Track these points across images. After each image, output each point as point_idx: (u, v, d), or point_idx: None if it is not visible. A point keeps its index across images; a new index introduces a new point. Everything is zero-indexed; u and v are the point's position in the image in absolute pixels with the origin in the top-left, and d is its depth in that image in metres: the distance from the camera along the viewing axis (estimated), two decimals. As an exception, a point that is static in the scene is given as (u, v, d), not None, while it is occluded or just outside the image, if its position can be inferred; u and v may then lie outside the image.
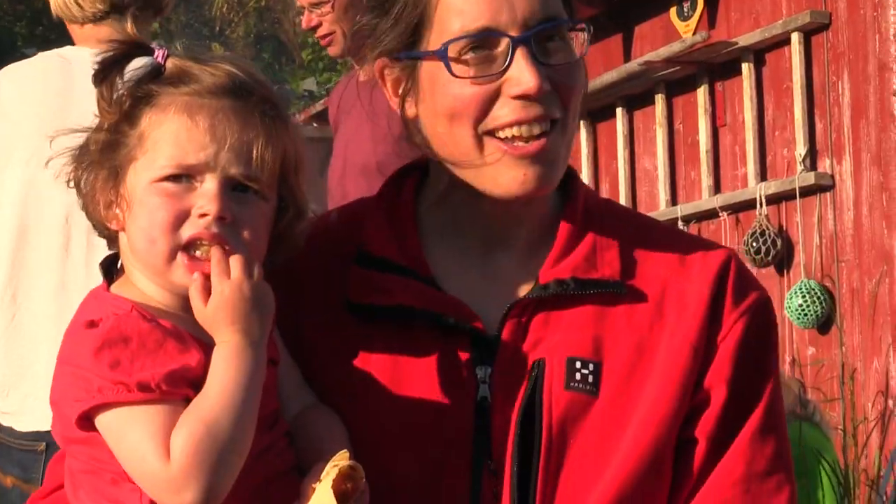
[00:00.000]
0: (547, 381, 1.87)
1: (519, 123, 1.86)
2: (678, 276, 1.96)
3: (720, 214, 8.05)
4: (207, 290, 1.73)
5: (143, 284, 1.79)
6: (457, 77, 1.86)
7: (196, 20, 27.97)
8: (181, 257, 1.75)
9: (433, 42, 1.89)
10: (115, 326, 1.70)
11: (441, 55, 1.86)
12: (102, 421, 1.69)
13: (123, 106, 1.79)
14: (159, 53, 1.81)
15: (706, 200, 8.16)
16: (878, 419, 7.18)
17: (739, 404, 1.92)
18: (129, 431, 1.68)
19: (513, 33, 1.85)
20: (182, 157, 1.75)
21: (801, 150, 7.61)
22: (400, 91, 1.95)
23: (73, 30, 3.78)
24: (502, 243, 1.97)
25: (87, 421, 1.71)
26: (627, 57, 8.96)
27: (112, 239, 1.85)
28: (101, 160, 1.79)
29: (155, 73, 1.80)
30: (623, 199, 8.84)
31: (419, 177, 2.04)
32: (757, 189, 7.75)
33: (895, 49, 7.28)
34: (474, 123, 1.87)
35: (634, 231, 2.00)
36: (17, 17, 28.62)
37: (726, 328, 1.93)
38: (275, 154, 1.78)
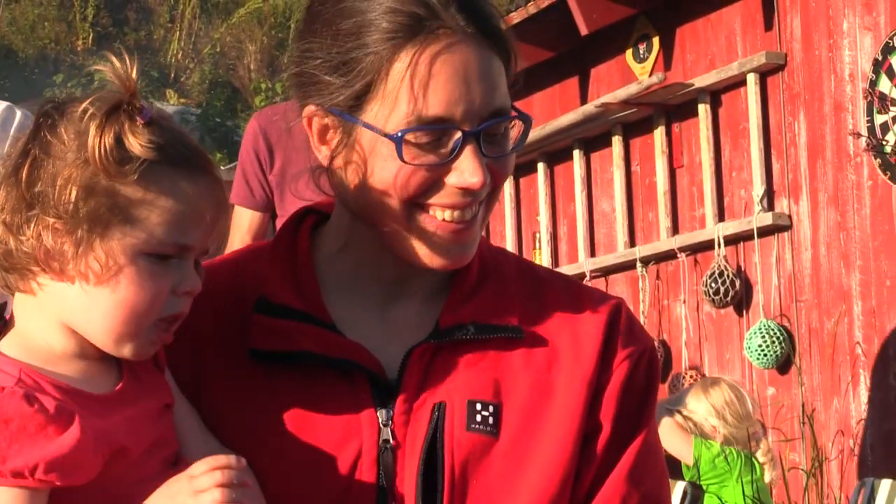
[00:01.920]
0: (448, 423, 1.89)
1: (454, 209, 1.88)
2: (572, 322, 1.99)
3: (678, 256, 8.07)
4: None
5: (44, 334, 1.75)
6: (405, 162, 1.84)
7: (151, 66, 27.95)
8: (155, 330, 1.75)
9: (381, 116, 1.85)
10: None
11: (396, 140, 1.84)
12: None
13: (133, 173, 1.71)
14: (147, 113, 1.74)
15: (664, 241, 8.18)
16: (838, 458, 7.18)
17: (619, 441, 1.96)
18: None
19: (465, 127, 1.84)
20: (179, 236, 1.73)
21: (758, 190, 7.64)
22: (328, 141, 1.92)
23: None
24: (403, 293, 1.99)
25: None
26: (584, 99, 8.99)
27: (9, 285, 1.77)
28: (74, 209, 1.70)
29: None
30: (581, 241, 8.85)
31: (314, 221, 2.04)
32: (715, 230, 7.78)
33: (850, 89, 7.32)
34: (406, 200, 1.87)
35: (529, 279, 2.04)
36: (-29, 64, 28.52)
37: (615, 367, 1.97)
38: (221, 226, 1.82)
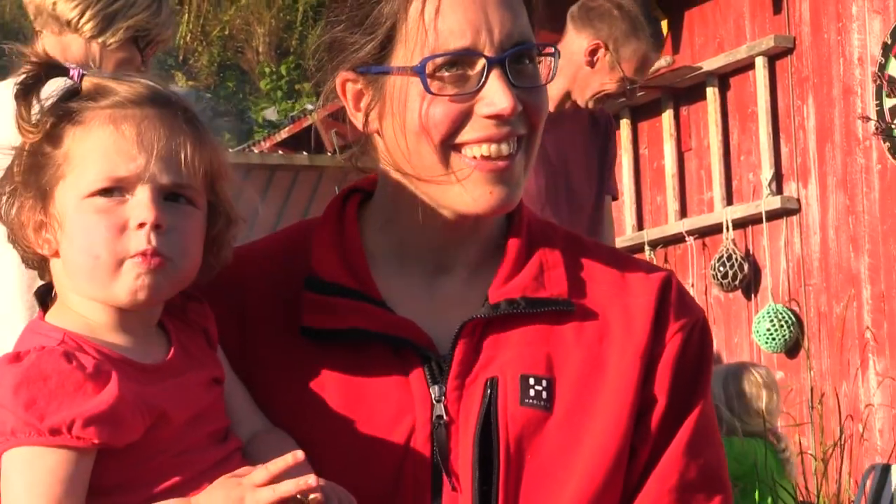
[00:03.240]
0: (501, 399, 1.89)
1: (489, 142, 1.87)
2: (622, 293, 1.98)
3: (686, 239, 8.06)
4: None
5: (81, 307, 1.77)
6: (433, 94, 1.86)
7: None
8: (134, 270, 1.72)
9: (405, 58, 1.88)
10: (36, 364, 1.66)
11: (419, 71, 1.86)
12: (7, 458, 1.66)
13: (45, 126, 1.76)
14: (74, 73, 1.79)
15: (672, 225, 8.17)
16: (847, 443, 7.18)
17: (675, 414, 1.95)
18: (28, 473, 1.65)
19: (489, 54, 1.86)
20: (112, 169, 1.72)
21: (766, 174, 7.62)
22: (363, 106, 1.94)
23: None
24: (450, 265, 1.98)
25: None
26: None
27: (42, 268, 1.81)
28: (26, 183, 1.76)
29: (71, 93, 1.78)
30: (589, 225, 8.85)
31: (360, 199, 2.05)
32: (723, 213, 7.76)
33: (859, 73, 7.30)
34: (442, 140, 1.88)
35: (578, 252, 2.03)
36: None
37: (667, 340, 1.97)
38: (202, 160, 1.78)
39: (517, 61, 1.89)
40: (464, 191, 1.89)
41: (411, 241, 1.98)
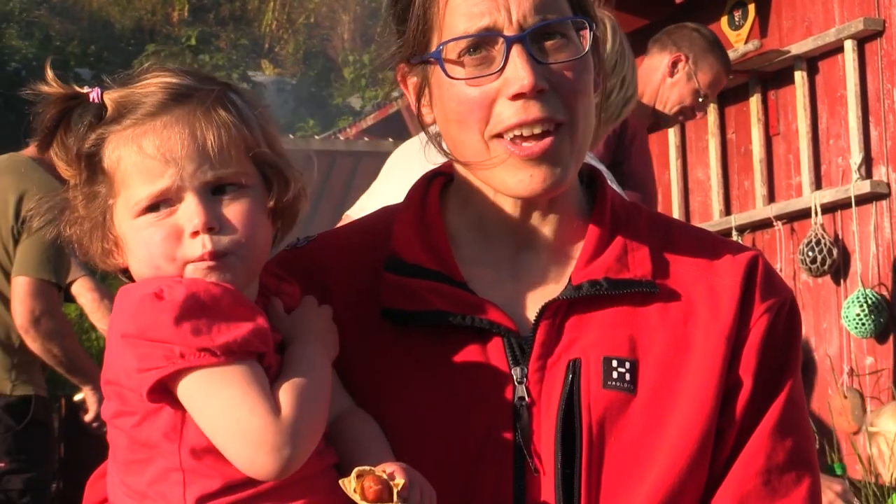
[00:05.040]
0: (584, 381, 1.89)
1: (521, 125, 1.86)
2: (708, 274, 1.97)
3: (775, 224, 8.00)
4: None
5: None
6: (452, 78, 1.87)
7: (245, 37, 28.08)
8: (192, 269, 1.78)
9: (436, 45, 1.90)
10: (190, 293, 1.73)
11: (436, 56, 1.88)
12: (187, 384, 1.72)
13: (81, 161, 1.82)
14: (94, 95, 1.83)
15: (760, 210, 8.12)
16: (938, 429, 7.11)
17: (763, 396, 1.94)
18: (224, 390, 1.71)
19: (508, 33, 1.85)
20: (148, 188, 1.78)
21: (856, 158, 7.55)
22: (422, 98, 1.98)
23: None
24: (530, 245, 1.98)
25: (158, 393, 1.73)
26: (679, 67, 8.92)
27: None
28: (85, 218, 1.84)
29: (98, 116, 1.82)
30: (676, 210, 8.81)
31: (443, 181, 2.06)
32: (812, 198, 7.70)
33: (950, 55, 7.22)
34: (480, 127, 1.88)
35: (663, 232, 2.02)
36: (69, 37, 28.84)
37: (754, 320, 1.95)
38: (234, 141, 1.81)
39: (543, 38, 1.87)
40: (504, 175, 1.89)
41: (489, 222, 1.98)
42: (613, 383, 1.89)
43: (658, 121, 5.45)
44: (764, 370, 1.94)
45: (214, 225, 1.78)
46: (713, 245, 2.02)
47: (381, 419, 1.88)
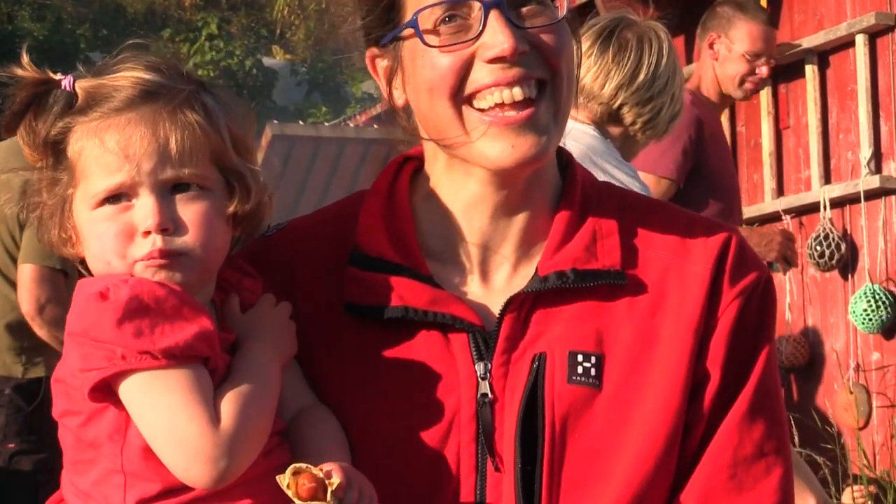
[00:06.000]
0: (548, 376, 1.85)
1: (497, 86, 1.82)
2: (679, 259, 1.92)
3: (783, 218, 7.98)
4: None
5: None
6: (429, 46, 1.83)
7: (257, 23, 28.08)
8: (141, 267, 1.77)
9: (409, 17, 1.86)
10: (134, 295, 1.72)
11: (412, 24, 1.84)
12: (128, 386, 1.71)
13: (47, 147, 1.82)
14: (66, 82, 1.83)
15: (769, 203, 8.09)
16: (944, 426, 7.09)
17: (731, 387, 1.90)
18: (164, 395, 1.70)
19: None
20: (106, 181, 1.78)
21: (865, 153, 7.53)
22: (392, 79, 1.93)
23: None
24: (501, 235, 1.93)
25: (101, 392, 1.72)
26: (689, 59, 8.90)
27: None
28: (45, 202, 1.84)
29: (69, 103, 1.82)
30: (685, 202, 8.79)
31: (415, 167, 2.01)
32: (821, 192, 7.68)
33: (962, 51, 7.19)
34: (452, 94, 1.83)
35: (634, 213, 1.97)
36: (80, 20, 28.85)
37: (722, 309, 1.91)
38: (198, 143, 1.80)
39: (521, 3, 1.83)
40: (484, 147, 1.83)
41: (457, 210, 1.94)
42: (578, 378, 1.86)
43: (731, 102, 5.58)
44: (732, 361, 1.90)
45: (168, 226, 1.77)
46: (687, 225, 1.96)
47: (342, 416, 1.86)
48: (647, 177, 5.36)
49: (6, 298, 5.18)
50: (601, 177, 3.60)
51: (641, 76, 3.69)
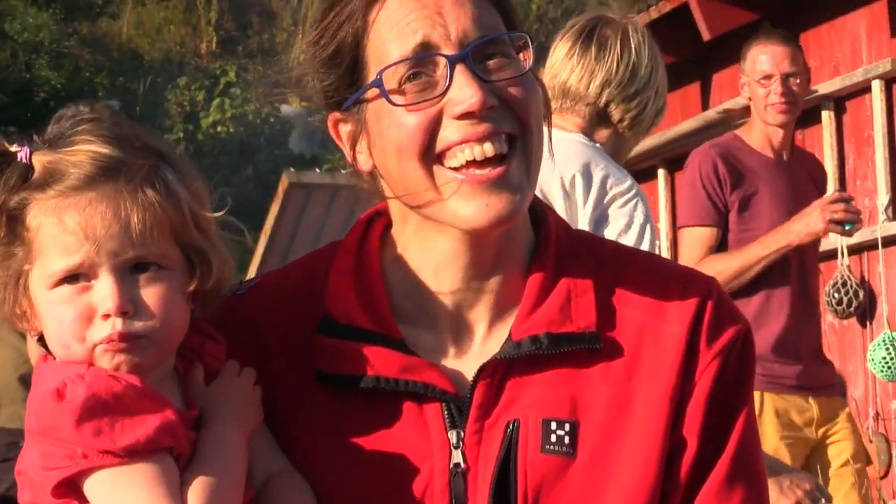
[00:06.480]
0: (521, 444, 1.81)
1: (467, 142, 1.77)
2: (655, 318, 1.88)
3: (801, 264, 7.95)
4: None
5: None
6: (395, 105, 1.78)
7: (273, 70, 28.21)
8: (107, 356, 1.73)
9: (372, 77, 1.82)
10: (91, 394, 1.68)
11: (377, 84, 1.79)
12: (92, 484, 1.68)
13: (2, 217, 1.77)
14: (22, 154, 1.78)
15: (787, 250, 8.07)
16: (964, 474, 7.04)
17: (709, 453, 1.86)
18: (128, 490, 1.67)
19: (449, 52, 1.78)
20: (64, 261, 1.73)
21: (882, 199, 7.51)
22: (357, 142, 1.88)
23: None
24: (472, 294, 1.89)
25: (65, 488, 1.69)
26: (706, 105, 8.91)
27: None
28: (2, 278, 1.79)
29: (24, 177, 1.77)
30: (701, 249, 8.76)
31: (385, 222, 1.96)
32: (839, 239, 7.64)
33: (979, 96, 7.18)
34: (421, 153, 1.79)
35: (610, 267, 1.92)
36: (98, 68, 29.00)
37: (699, 372, 1.86)
38: (158, 223, 1.75)
39: (487, 57, 1.80)
40: (456, 207, 1.79)
41: (428, 272, 1.89)
42: (552, 447, 1.81)
43: (788, 131, 5.48)
44: (710, 426, 1.86)
45: (128, 309, 1.73)
46: (664, 279, 1.91)
47: (314, 484, 1.82)
48: (685, 232, 5.37)
49: (18, 350, 5.17)
50: (600, 177, 3.61)
51: (624, 71, 3.68)
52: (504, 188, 1.78)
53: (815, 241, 5.29)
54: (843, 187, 7.89)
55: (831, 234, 7.72)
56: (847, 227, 5.15)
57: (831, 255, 7.75)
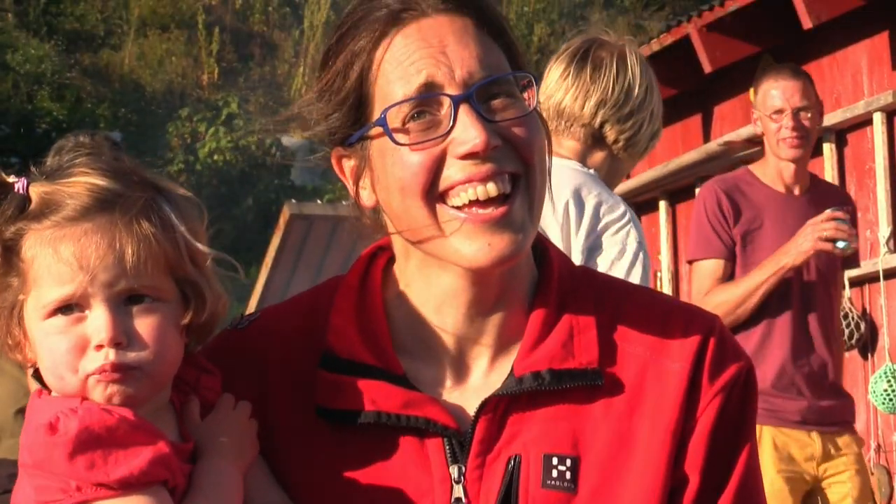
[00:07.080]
0: (523, 480, 1.82)
1: (471, 182, 1.78)
2: (658, 355, 1.88)
3: (802, 296, 7.95)
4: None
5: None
6: (399, 144, 1.79)
7: (274, 101, 28.24)
8: (100, 387, 1.73)
9: (377, 115, 1.83)
10: (84, 427, 1.68)
11: (381, 123, 1.80)
12: None
13: None
14: (19, 185, 1.78)
15: (788, 282, 8.06)
16: (967, 507, 7.02)
17: (709, 490, 1.86)
18: None
19: (453, 92, 1.78)
20: (59, 290, 1.73)
21: (884, 231, 7.51)
22: (360, 178, 1.89)
23: None
24: (475, 330, 1.89)
25: None
26: (707, 137, 8.92)
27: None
28: None
29: (21, 208, 1.78)
30: (703, 281, 8.76)
31: (388, 257, 1.97)
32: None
33: (980, 129, 7.18)
34: (424, 192, 1.80)
35: (613, 304, 1.92)
36: (100, 100, 29.06)
37: (701, 409, 1.87)
38: (153, 256, 1.76)
39: (491, 97, 1.80)
40: (459, 245, 1.80)
41: (431, 308, 1.90)
42: (553, 483, 1.81)
43: (785, 164, 5.44)
44: (712, 463, 1.86)
45: (122, 340, 1.73)
46: (666, 316, 1.92)
47: None
48: (695, 266, 5.40)
49: (18, 382, 5.16)
50: (592, 204, 3.61)
51: (619, 91, 3.68)
52: (506, 228, 1.79)
53: (826, 275, 5.26)
54: (845, 219, 7.89)
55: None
56: (841, 246, 5.12)
57: (833, 287, 7.76)
